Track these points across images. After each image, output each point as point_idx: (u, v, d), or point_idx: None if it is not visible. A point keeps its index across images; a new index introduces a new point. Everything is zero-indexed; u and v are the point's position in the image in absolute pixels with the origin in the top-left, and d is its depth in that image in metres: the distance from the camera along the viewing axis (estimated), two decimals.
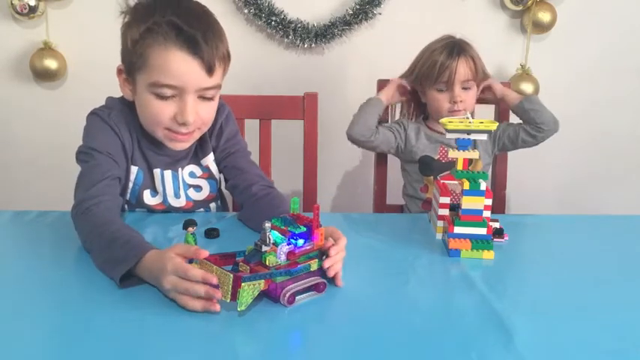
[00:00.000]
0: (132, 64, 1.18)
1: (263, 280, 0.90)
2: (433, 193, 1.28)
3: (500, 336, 0.87)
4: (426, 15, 2.15)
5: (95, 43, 2.04)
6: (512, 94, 1.71)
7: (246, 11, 2.09)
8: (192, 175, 1.34)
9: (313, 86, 1.75)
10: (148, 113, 1.21)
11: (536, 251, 1.23)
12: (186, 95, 1.17)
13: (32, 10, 2.01)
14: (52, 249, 1.12)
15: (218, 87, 1.21)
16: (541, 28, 2.15)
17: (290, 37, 2.11)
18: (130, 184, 1.28)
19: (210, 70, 1.16)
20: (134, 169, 1.28)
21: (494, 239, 1.17)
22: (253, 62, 2.16)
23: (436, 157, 1.65)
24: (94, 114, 1.27)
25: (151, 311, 0.91)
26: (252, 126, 1.62)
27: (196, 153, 1.34)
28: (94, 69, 1.97)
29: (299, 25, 2.11)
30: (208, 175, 1.36)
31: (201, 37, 1.14)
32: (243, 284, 0.87)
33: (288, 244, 0.93)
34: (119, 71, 1.24)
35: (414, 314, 0.93)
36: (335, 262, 0.98)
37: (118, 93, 1.30)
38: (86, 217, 1.10)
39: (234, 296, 0.88)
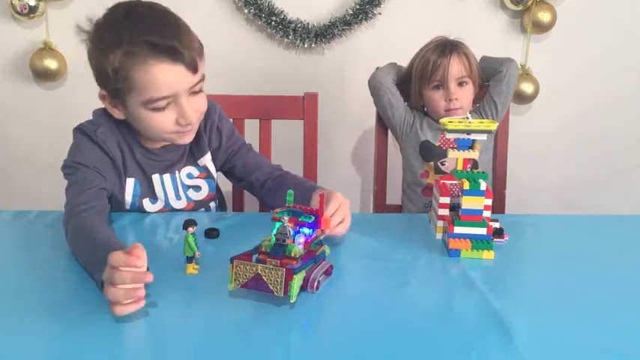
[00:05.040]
0: (118, 90, 1.17)
1: (304, 270, 0.93)
2: (433, 194, 1.28)
3: (500, 336, 0.87)
4: (426, 15, 2.15)
5: None
6: None
7: (246, 11, 2.09)
8: (189, 176, 1.35)
9: (313, 86, 1.75)
10: (149, 127, 1.21)
11: (536, 251, 1.23)
12: (180, 99, 1.17)
13: (32, 10, 2.01)
14: (52, 249, 1.12)
15: (203, 78, 1.22)
16: (541, 28, 2.15)
17: (290, 37, 2.11)
18: (129, 197, 1.29)
19: (195, 70, 1.17)
20: (130, 181, 1.28)
21: (494, 239, 1.17)
22: (253, 62, 2.16)
23: (437, 144, 1.66)
24: (80, 131, 1.26)
25: (152, 311, 0.91)
26: (252, 126, 1.63)
27: (192, 153, 1.35)
28: None
29: (299, 25, 2.11)
30: (206, 174, 1.37)
31: (179, 44, 1.13)
32: (294, 276, 0.89)
33: (304, 234, 0.96)
34: (102, 97, 1.22)
35: (414, 314, 0.93)
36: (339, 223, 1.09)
37: None
38: (76, 220, 1.11)
39: (286, 290, 0.89)
